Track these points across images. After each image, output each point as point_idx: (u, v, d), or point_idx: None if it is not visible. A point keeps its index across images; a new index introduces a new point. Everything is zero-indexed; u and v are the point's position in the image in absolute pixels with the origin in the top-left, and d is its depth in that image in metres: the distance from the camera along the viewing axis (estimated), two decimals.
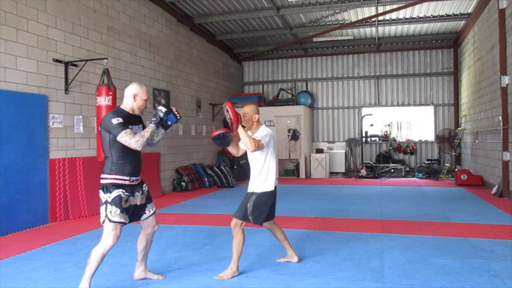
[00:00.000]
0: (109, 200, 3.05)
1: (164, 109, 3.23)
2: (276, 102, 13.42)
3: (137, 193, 3.23)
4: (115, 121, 3.03)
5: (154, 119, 3.19)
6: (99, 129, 3.18)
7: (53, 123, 6.20)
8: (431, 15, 10.69)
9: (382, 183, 10.79)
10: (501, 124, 7.77)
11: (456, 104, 12.77)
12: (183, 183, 9.51)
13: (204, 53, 11.66)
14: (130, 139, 3.02)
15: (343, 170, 13.24)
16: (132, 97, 3.21)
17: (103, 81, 6.06)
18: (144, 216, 3.34)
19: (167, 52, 9.63)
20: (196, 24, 10.89)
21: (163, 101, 9.33)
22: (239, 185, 10.74)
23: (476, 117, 10.35)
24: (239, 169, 11.83)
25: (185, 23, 10.44)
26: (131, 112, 3.22)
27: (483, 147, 9.62)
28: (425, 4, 9.79)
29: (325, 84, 14.09)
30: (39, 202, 5.85)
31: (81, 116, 6.78)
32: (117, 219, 3.05)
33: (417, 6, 9.93)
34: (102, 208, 3.07)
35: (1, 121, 5.30)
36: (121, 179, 3.10)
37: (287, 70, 14.42)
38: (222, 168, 10.50)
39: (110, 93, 5.97)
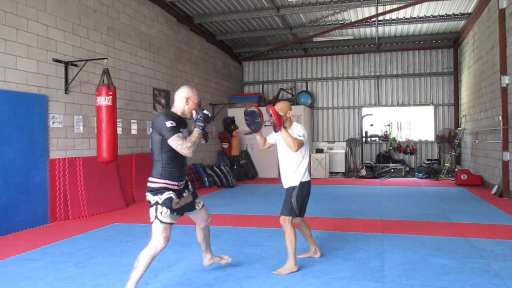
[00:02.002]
0: (160, 201, 3.04)
1: (209, 114, 3.24)
2: (276, 102, 13.39)
3: (184, 194, 3.29)
4: (168, 124, 3.00)
5: (200, 124, 3.16)
6: (150, 131, 3.16)
7: (53, 123, 6.20)
8: (431, 15, 10.69)
9: (382, 183, 10.79)
10: (501, 124, 7.77)
11: (456, 104, 12.77)
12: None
13: (204, 53, 11.66)
14: (182, 144, 3.00)
15: (343, 170, 13.23)
16: (185, 100, 3.19)
17: (103, 81, 6.07)
18: (194, 211, 3.43)
19: (167, 52, 9.63)
20: (196, 24, 10.90)
21: (163, 101, 9.33)
22: (239, 185, 10.74)
23: (476, 117, 10.35)
24: (239, 169, 11.84)
25: (185, 23, 10.44)
26: (181, 115, 3.22)
27: (483, 147, 9.62)
28: (425, 4, 9.79)
29: (325, 84, 14.10)
30: (39, 202, 5.85)
31: (81, 116, 6.78)
32: (168, 220, 3.04)
33: (417, 6, 9.94)
34: (152, 209, 3.05)
35: (1, 121, 5.31)
36: (171, 184, 3.10)
37: (287, 70, 14.42)
38: (222, 168, 10.49)
39: (110, 93, 5.98)
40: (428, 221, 5.82)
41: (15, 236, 5.23)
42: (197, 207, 3.44)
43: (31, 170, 5.75)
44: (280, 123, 3.57)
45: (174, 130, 3.00)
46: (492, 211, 6.57)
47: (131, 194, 7.88)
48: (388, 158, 12.79)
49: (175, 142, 2.99)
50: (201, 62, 11.45)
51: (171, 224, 3.07)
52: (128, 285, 2.94)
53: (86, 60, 6.63)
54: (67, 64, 6.45)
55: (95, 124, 6.33)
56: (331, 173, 13.13)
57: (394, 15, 10.65)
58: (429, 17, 10.82)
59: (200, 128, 3.15)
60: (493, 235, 4.94)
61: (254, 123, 3.68)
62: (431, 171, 11.94)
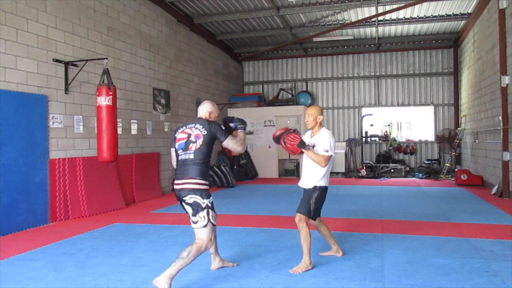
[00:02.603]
0: (210, 205, 3.27)
1: (246, 121, 3.67)
2: (276, 102, 13.43)
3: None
4: (222, 127, 3.39)
5: (241, 125, 3.55)
6: (199, 134, 3.33)
7: (53, 123, 6.20)
8: (431, 15, 10.69)
9: (382, 183, 10.79)
10: (501, 124, 7.77)
11: (456, 104, 12.77)
12: None
13: (204, 53, 11.66)
14: (236, 143, 3.38)
15: (343, 170, 13.23)
16: (208, 115, 3.54)
17: (103, 81, 6.06)
18: None
19: (167, 52, 9.63)
20: (196, 24, 10.90)
21: (163, 101, 9.33)
22: (239, 185, 10.74)
23: (476, 117, 10.35)
24: (239, 169, 11.84)
25: (185, 23, 10.44)
26: None
27: (483, 147, 9.62)
28: (425, 4, 9.79)
29: (325, 84, 14.10)
30: (39, 202, 5.85)
31: (81, 116, 6.78)
32: (216, 221, 3.37)
33: (417, 6, 9.94)
34: (204, 213, 3.22)
35: (1, 121, 5.31)
36: (208, 185, 3.35)
37: (287, 70, 14.42)
38: (222, 168, 10.49)
39: (110, 93, 5.97)
40: (428, 221, 5.82)
41: (15, 236, 5.23)
42: None
43: (31, 170, 5.75)
44: (297, 150, 3.73)
45: (227, 133, 3.40)
46: (492, 211, 6.57)
47: (131, 194, 7.88)
48: (388, 158, 12.79)
49: (229, 142, 3.36)
50: (201, 62, 11.45)
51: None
52: (171, 271, 3.09)
53: (86, 60, 6.63)
54: (67, 64, 6.45)
55: (95, 124, 6.32)
56: (331, 173, 13.09)
57: (394, 15, 10.65)
58: (429, 17, 10.82)
59: (242, 129, 3.55)
60: (493, 235, 4.94)
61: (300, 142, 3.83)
62: (431, 171, 11.94)
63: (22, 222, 5.55)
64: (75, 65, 6.57)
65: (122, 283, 3.49)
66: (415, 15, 10.75)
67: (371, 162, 12.81)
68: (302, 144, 3.70)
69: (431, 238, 4.79)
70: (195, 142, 3.32)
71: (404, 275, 3.54)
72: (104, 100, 5.94)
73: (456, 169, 11.07)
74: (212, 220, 3.26)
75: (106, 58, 6.34)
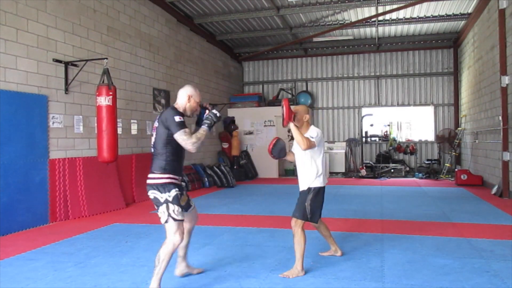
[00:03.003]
0: (169, 199, 3.07)
1: (218, 114, 3.27)
2: (276, 102, 13.41)
3: (184, 192, 3.31)
4: (177, 118, 3.04)
5: (207, 121, 3.20)
6: (156, 124, 3.16)
7: (53, 123, 6.20)
8: (431, 15, 10.69)
9: (382, 183, 10.79)
10: (501, 124, 7.77)
11: (456, 104, 12.77)
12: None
13: (204, 53, 11.66)
14: (188, 139, 3.03)
15: (343, 170, 13.23)
16: (187, 98, 3.25)
17: (103, 81, 6.07)
18: (190, 208, 3.44)
19: (167, 52, 9.63)
20: (196, 24, 10.90)
21: (163, 101, 9.33)
22: (239, 185, 10.74)
23: (476, 117, 10.35)
24: (239, 169, 11.84)
25: (185, 23, 10.44)
26: (183, 112, 3.25)
27: (483, 147, 9.62)
28: (425, 4, 9.79)
29: (325, 84, 14.10)
30: (39, 202, 5.85)
31: (81, 116, 6.78)
32: (180, 217, 3.10)
33: (417, 6, 9.94)
34: (163, 208, 3.07)
35: (1, 121, 5.30)
36: (175, 178, 3.14)
37: (287, 70, 14.42)
38: (222, 168, 10.49)
39: (110, 93, 5.98)
40: (428, 221, 5.82)
41: (15, 236, 5.23)
42: (192, 204, 3.48)
43: (31, 170, 5.75)
44: (289, 117, 3.58)
45: (182, 125, 3.04)
46: (492, 211, 6.57)
47: (131, 194, 7.88)
48: (388, 158, 12.78)
49: (181, 137, 3.02)
50: (201, 62, 11.45)
51: (182, 220, 3.13)
52: (153, 283, 3.04)
53: (86, 60, 6.63)
54: (67, 64, 6.45)
55: (95, 124, 6.32)
56: (331, 173, 13.13)
57: (394, 15, 10.65)
58: (429, 17, 10.82)
59: (207, 125, 3.19)
60: (493, 235, 4.94)
61: (283, 151, 3.85)
62: (431, 171, 11.93)
63: (22, 222, 5.54)
64: (75, 65, 6.57)
65: (122, 283, 3.49)
66: (415, 15, 10.75)
67: (371, 162, 12.81)
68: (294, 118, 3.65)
69: (431, 238, 4.79)
70: (153, 134, 3.20)
71: (404, 275, 3.54)
72: (104, 100, 5.95)
73: (456, 169, 11.08)
74: (173, 215, 3.05)
75: (106, 58, 6.35)
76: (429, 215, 6.30)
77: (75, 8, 6.74)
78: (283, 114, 3.63)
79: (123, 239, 4.98)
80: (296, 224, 3.63)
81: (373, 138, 13.47)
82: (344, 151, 13.38)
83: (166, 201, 3.07)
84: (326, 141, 13.88)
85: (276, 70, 14.51)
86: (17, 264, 4.04)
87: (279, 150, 3.82)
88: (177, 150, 3.13)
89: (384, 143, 13.36)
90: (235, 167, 11.77)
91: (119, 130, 7.28)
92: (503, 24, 7.77)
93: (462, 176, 9.99)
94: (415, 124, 13.51)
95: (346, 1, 9.62)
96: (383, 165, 12.60)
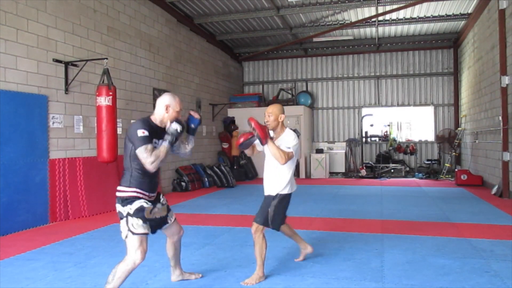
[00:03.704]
0: (131, 212, 2.84)
1: (179, 127, 2.97)
2: (276, 102, 13.42)
3: (158, 205, 3.07)
4: (140, 132, 2.80)
5: (168, 137, 2.93)
6: (125, 137, 2.97)
7: (53, 123, 6.20)
8: (431, 15, 10.69)
9: (382, 183, 10.79)
10: (501, 124, 7.77)
11: (456, 104, 12.77)
12: (183, 183, 9.51)
13: (204, 53, 11.66)
14: (147, 158, 2.78)
15: (343, 170, 13.23)
16: (165, 108, 3.00)
17: (103, 81, 6.06)
18: (166, 225, 3.18)
19: (167, 52, 9.63)
20: (196, 24, 10.90)
21: None
22: (239, 185, 10.74)
23: (476, 117, 10.35)
24: (239, 169, 11.84)
25: (185, 23, 10.44)
26: (159, 124, 3.01)
27: (483, 147, 9.62)
28: (425, 4, 9.79)
29: (325, 84, 14.10)
30: (39, 202, 5.85)
31: (81, 116, 6.78)
32: (141, 230, 2.83)
33: (417, 6, 9.93)
34: (123, 222, 2.86)
35: (1, 121, 5.30)
36: (141, 193, 2.90)
37: (287, 70, 14.42)
38: (222, 168, 10.49)
39: (110, 93, 5.98)
40: (428, 222, 5.82)
41: (15, 236, 5.23)
42: (169, 221, 3.19)
43: (31, 170, 5.74)
44: (265, 136, 3.35)
45: (144, 141, 2.80)
46: (492, 211, 6.57)
47: None
48: (388, 158, 12.78)
49: (141, 153, 2.80)
50: (201, 62, 11.45)
51: (145, 234, 2.86)
52: None
53: (86, 60, 6.63)
54: (67, 64, 6.45)
55: (95, 124, 6.32)
56: (331, 173, 13.13)
57: (394, 15, 10.65)
58: (429, 17, 10.82)
59: (168, 141, 2.91)
60: (493, 235, 4.94)
61: (246, 146, 3.59)
62: (431, 171, 11.93)
63: (22, 222, 5.54)
64: (75, 65, 6.57)
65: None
66: (415, 15, 10.75)
67: (371, 162, 12.81)
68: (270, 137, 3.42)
69: (431, 238, 4.79)
70: (124, 146, 2.98)
71: (404, 275, 3.54)
72: (104, 100, 5.94)
73: (456, 169, 11.08)
74: (132, 228, 2.81)
75: (106, 58, 6.35)
76: (429, 215, 6.30)
77: (75, 8, 6.74)
78: (257, 135, 3.36)
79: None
80: (257, 230, 3.48)
81: (373, 138, 13.47)
82: (344, 151, 13.39)
83: (128, 215, 2.84)
84: (326, 141, 13.89)
85: (276, 70, 14.51)
86: (17, 264, 4.04)
87: (247, 144, 3.57)
88: (138, 164, 2.88)
89: (384, 143, 13.36)
90: (235, 167, 11.77)
91: (119, 130, 7.27)
92: (503, 24, 7.77)
93: (462, 176, 9.99)
94: (415, 124, 13.51)
95: (346, 1, 9.61)
96: (383, 165, 12.60)
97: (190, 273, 3.56)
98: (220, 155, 12.11)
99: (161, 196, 3.17)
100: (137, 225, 2.83)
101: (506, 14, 7.71)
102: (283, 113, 3.60)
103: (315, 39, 12.44)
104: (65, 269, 3.85)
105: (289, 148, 3.42)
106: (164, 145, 2.90)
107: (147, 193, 2.94)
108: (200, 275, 3.58)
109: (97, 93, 6.00)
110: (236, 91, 14.11)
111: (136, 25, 8.43)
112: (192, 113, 3.23)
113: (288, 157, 3.38)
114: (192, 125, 3.23)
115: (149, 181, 2.95)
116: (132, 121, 8.13)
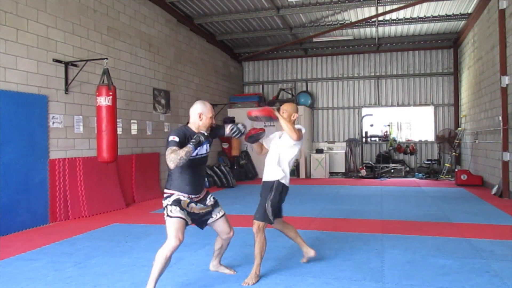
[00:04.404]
0: (169, 202, 3.14)
1: (202, 138, 3.12)
2: (276, 102, 13.41)
3: (200, 205, 3.29)
4: (171, 137, 3.09)
5: (193, 141, 3.08)
6: None
7: (53, 123, 6.20)
8: (431, 15, 10.69)
9: (382, 183, 10.79)
10: (501, 124, 7.77)
11: (456, 104, 12.77)
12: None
13: (204, 53, 11.66)
14: (168, 156, 2.99)
15: (343, 170, 13.23)
16: (198, 117, 3.24)
17: (103, 81, 6.07)
18: (211, 219, 3.39)
19: (167, 52, 9.63)
20: (196, 24, 10.90)
21: (163, 101, 9.33)
22: (239, 185, 10.74)
23: (476, 117, 10.35)
24: (239, 169, 11.84)
25: (185, 23, 10.44)
26: (196, 131, 3.23)
27: (483, 147, 9.62)
28: (425, 4, 9.79)
29: (325, 84, 14.09)
30: (39, 202, 5.85)
31: (81, 116, 6.78)
32: (177, 214, 3.09)
33: (417, 6, 9.93)
34: (164, 211, 3.17)
35: (1, 121, 5.31)
36: (181, 194, 3.18)
37: (287, 70, 14.42)
38: (222, 168, 10.49)
39: (110, 93, 5.98)
40: (428, 222, 5.82)
41: (15, 236, 5.23)
42: (214, 216, 3.40)
43: (31, 170, 5.75)
44: (271, 113, 3.59)
45: (171, 144, 3.04)
46: (492, 211, 6.57)
47: (131, 194, 7.88)
48: (388, 158, 12.78)
49: (167, 152, 3.02)
50: (201, 62, 11.45)
51: (181, 218, 3.09)
52: (148, 284, 3.02)
53: (86, 60, 6.63)
54: (67, 64, 6.45)
55: (95, 124, 6.32)
56: (331, 173, 13.13)
57: (394, 16, 10.65)
58: (429, 17, 10.82)
59: (192, 144, 3.06)
60: (493, 235, 4.94)
61: (254, 141, 3.71)
62: (431, 172, 11.93)
63: (22, 222, 5.54)
64: (75, 65, 6.57)
65: (122, 283, 3.49)
66: (415, 15, 10.74)
67: (371, 162, 12.81)
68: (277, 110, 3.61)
69: (431, 238, 4.79)
70: None
71: (404, 275, 3.54)
72: (104, 100, 5.95)
73: (456, 169, 11.08)
74: (169, 213, 3.12)
75: (106, 58, 6.34)
76: (429, 215, 6.30)
77: (75, 8, 6.74)
78: (267, 118, 3.64)
79: (123, 239, 4.98)
80: (260, 230, 3.50)
81: (373, 138, 13.47)
82: (344, 151, 13.39)
83: (166, 205, 3.15)
84: (326, 141, 13.89)
85: (276, 70, 14.51)
86: (17, 264, 4.04)
87: (256, 138, 3.67)
88: (182, 169, 3.15)
89: (384, 143, 13.36)
90: (235, 167, 11.77)
91: (119, 130, 7.28)
92: (503, 24, 7.77)
93: (462, 176, 9.99)
94: (415, 124, 13.51)
95: (346, 1, 9.61)
96: (383, 165, 12.60)
97: (226, 267, 3.72)
98: (220, 155, 12.11)
99: (208, 197, 3.41)
100: (175, 210, 3.10)
101: (506, 14, 7.71)
102: (297, 112, 3.75)
103: (315, 39, 12.44)
104: (65, 269, 3.85)
105: (301, 130, 3.61)
106: (188, 146, 3.05)
107: (187, 194, 3.20)
108: (235, 272, 3.69)
109: (97, 93, 6.00)
110: (236, 91, 14.11)
111: (136, 25, 8.43)
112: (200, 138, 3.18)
113: (300, 134, 3.53)
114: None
115: (188, 184, 3.21)
116: (132, 121, 8.14)
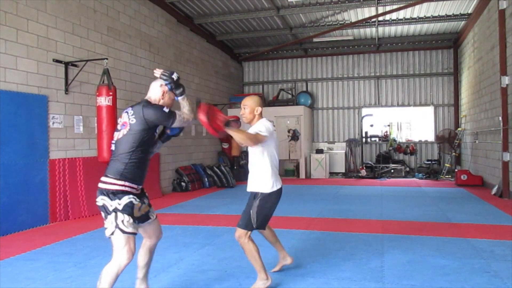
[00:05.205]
0: (119, 207, 2.58)
1: (175, 76, 2.81)
2: (276, 102, 13.43)
3: (146, 200, 2.84)
4: (166, 109, 2.68)
5: (180, 90, 2.81)
6: (129, 120, 2.69)
7: (53, 123, 6.20)
8: (431, 15, 10.69)
9: (382, 184, 10.79)
10: (501, 124, 7.77)
11: (456, 105, 12.77)
12: (183, 184, 9.51)
13: (204, 53, 11.66)
14: (181, 116, 2.71)
15: (343, 171, 13.23)
16: (161, 94, 2.82)
17: (103, 81, 6.06)
18: (148, 221, 2.87)
19: (167, 52, 9.63)
20: (196, 24, 10.90)
21: None
22: (239, 185, 10.74)
23: (476, 117, 10.35)
24: (239, 169, 11.84)
25: (185, 23, 10.45)
26: None
27: (483, 147, 9.62)
28: (425, 5, 9.79)
29: (325, 84, 14.09)
30: (39, 202, 5.85)
31: (81, 116, 6.78)
32: (131, 229, 2.58)
33: (417, 7, 9.94)
34: (111, 217, 2.57)
35: (1, 121, 5.31)
36: (130, 187, 2.66)
37: (287, 70, 14.42)
38: (222, 168, 10.50)
39: (110, 93, 5.97)
40: (428, 222, 5.82)
41: (15, 236, 5.23)
42: (151, 217, 2.88)
43: (31, 170, 5.74)
44: (217, 127, 2.99)
45: (173, 113, 2.72)
46: (492, 211, 6.57)
47: None
48: (388, 158, 12.78)
49: (180, 120, 2.74)
50: (201, 63, 11.45)
51: (134, 234, 2.61)
52: None
53: (86, 61, 6.63)
54: (67, 64, 6.45)
55: (95, 125, 6.32)
56: (331, 173, 13.13)
57: (394, 16, 10.65)
58: (429, 17, 10.82)
59: (181, 94, 2.80)
60: (493, 235, 4.94)
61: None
62: (431, 172, 11.93)
63: (22, 222, 5.54)
64: (75, 65, 6.57)
65: (122, 283, 3.48)
66: (415, 16, 10.75)
67: (371, 163, 12.81)
68: (227, 123, 3.05)
69: (431, 239, 4.79)
70: (120, 131, 2.73)
71: (404, 276, 3.54)
72: (104, 100, 5.94)
73: (456, 170, 11.08)
74: (121, 226, 2.55)
75: (106, 59, 6.34)
76: (429, 215, 6.30)
77: (75, 8, 6.74)
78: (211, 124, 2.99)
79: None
80: (241, 236, 3.20)
81: (373, 139, 13.47)
82: (344, 151, 13.39)
83: (115, 210, 2.58)
84: (326, 142, 13.88)
85: (276, 70, 14.51)
86: (17, 264, 4.04)
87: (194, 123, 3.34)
88: (144, 155, 2.72)
89: (384, 144, 13.36)
90: (235, 167, 11.77)
91: None
92: (503, 24, 7.77)
93: (462, 177, 9.99)
94: (415, 124, 13.52)
95: (346, 2, 9.62)
96: (383, 165, 12.60)
97: None
98: (220, 155, 12.11)
99: (146, 194, 2.92)
100: (128, 222, 2.58)
101: (506, 14, 7.71)
102: (261, 105, 3.34)
103: (315, 39, 12.44)
104: (65, 269, 3.85)
105: (260, 131, 3.12)
106: (183, 98, 2.83)
107: (136, 186, 2.71)
108: None
109: (97, 93, 5.99)
110: (236, 91, 14.11)
111: (136, 25, 8.44)
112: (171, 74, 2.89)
113: (255, 138, 3.07)
114: (168, 132, 3.00)
115: (141, 173, 2.75)
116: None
